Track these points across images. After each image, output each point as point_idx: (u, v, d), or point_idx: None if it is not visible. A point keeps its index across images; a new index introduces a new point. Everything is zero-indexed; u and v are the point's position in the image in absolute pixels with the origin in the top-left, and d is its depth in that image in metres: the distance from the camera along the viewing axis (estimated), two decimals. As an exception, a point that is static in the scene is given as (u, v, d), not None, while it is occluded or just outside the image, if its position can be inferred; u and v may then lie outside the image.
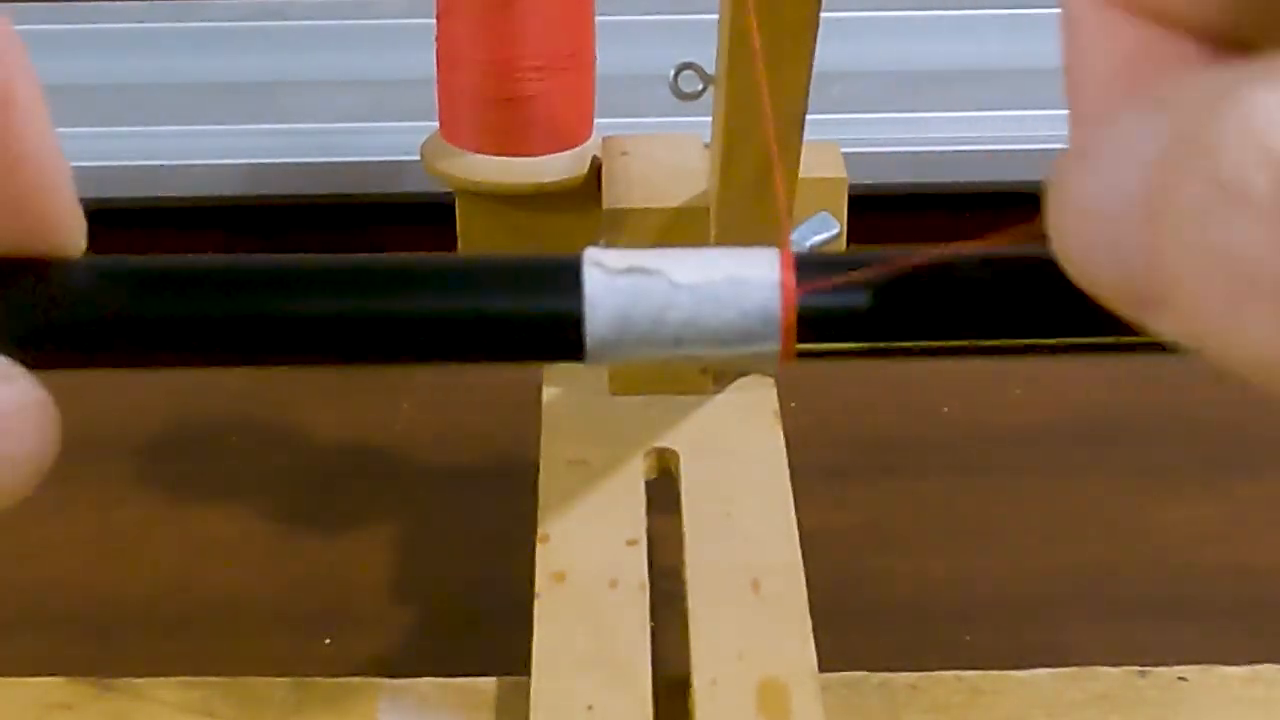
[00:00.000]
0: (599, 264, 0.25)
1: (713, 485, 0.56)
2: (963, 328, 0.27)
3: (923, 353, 0.27)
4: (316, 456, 0.69)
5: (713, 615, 0.51)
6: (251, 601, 0.61)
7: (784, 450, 0.58)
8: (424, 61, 0.63)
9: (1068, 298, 0.25)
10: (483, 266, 0.27)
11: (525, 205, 0.61)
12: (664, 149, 0.60)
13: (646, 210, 0.57)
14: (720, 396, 0.60)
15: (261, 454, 0.69)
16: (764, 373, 0.61)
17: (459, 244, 0.62)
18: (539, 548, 0.54)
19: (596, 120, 0.63)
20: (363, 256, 0.28)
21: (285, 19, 0.87)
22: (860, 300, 0.26)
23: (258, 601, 0.61)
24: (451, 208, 0.62)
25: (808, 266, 0.26)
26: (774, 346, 0.25)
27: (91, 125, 0.84)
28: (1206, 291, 0.20)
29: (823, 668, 0.49)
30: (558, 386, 0.61)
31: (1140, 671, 0.54)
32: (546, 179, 0.61)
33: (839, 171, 0.61)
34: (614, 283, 0.25)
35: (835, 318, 0.26)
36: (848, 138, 0.66)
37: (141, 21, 0.86)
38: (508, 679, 0.53)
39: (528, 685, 0.49)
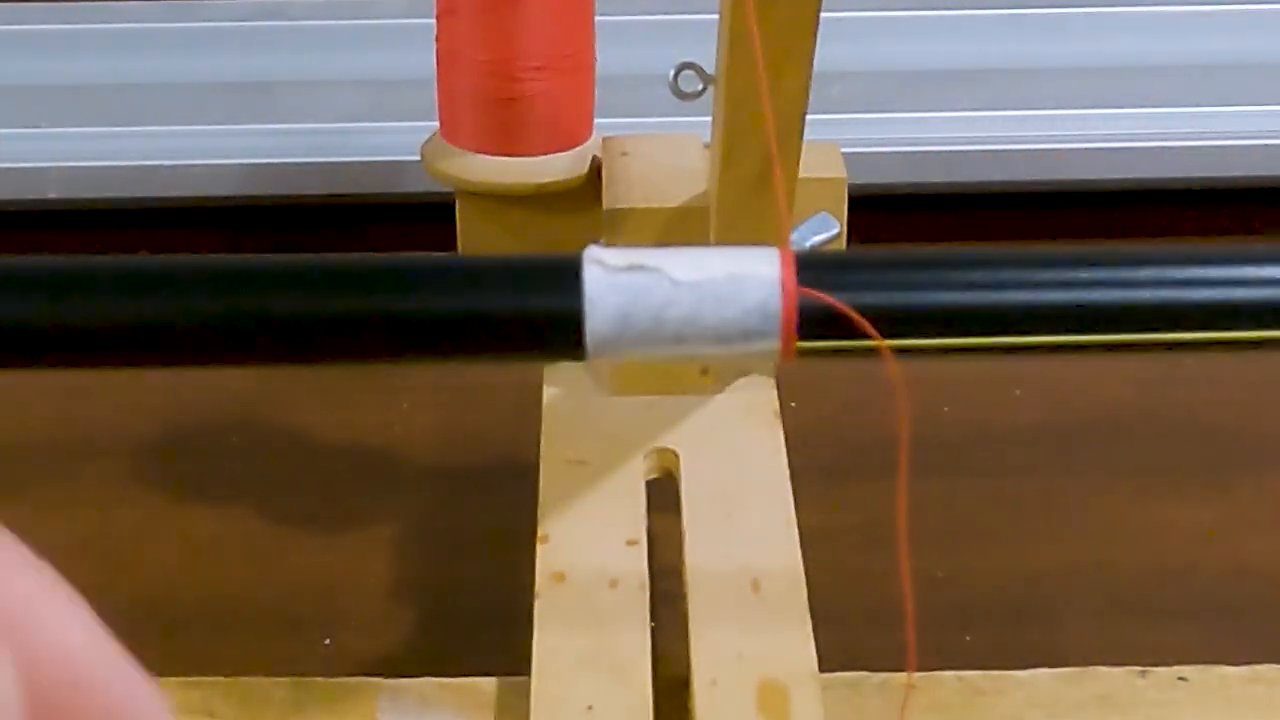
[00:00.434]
0: (599, 262, 0.25)
1: (713, 485, 0.56)
2: (963, 328, 0.27)
3: (923, 352, 0.27)
4: (316, 456, 0.69)
5: (713, 615, 0.51)
6: (251, 602, 0.61)
7: (784, 450, 0.58)
8: (424, 61, 0.63)
9: (1067, 297, 0.25)
10: (483, 266, 0.27)
11: (525, 205, 0.61)
12: (664, 149, 0.60)
13: (646, 210, 0.57)
14: (720, 396, 0.60)
15: (261, 454, 0.69)
16: (764, 372, 0.61)
17: (459, 244, 0.62)
18: (539, 548, 0.54)
19: (596, 120, 0.63)
20: (363, 256, 0.28)
21: (285, 19, 0.87)
22: (860, 299, 0.26)
23: (258, 602, 0.61)
24: (451, 208, 0.62)
25: (808, 265, 0.26)
26: (774, 344, 0.25)
27: (91, 125, 0.84)
28: None
29: (823, 668, 0.49)
30: (558, 386, 0.61)
31: (1140, 671, 0.54)
32: (546, 179, 0.61)
33: (839, 171, 0.61)
34: (614, 281, 0.25)
35: (835, 316, 0.26)
36: (848, 138, 0.66)
37: (141, 21, 0.86)
38: (508, 679, 0.53)
39: (528, 685, 0.49)
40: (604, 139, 0.62)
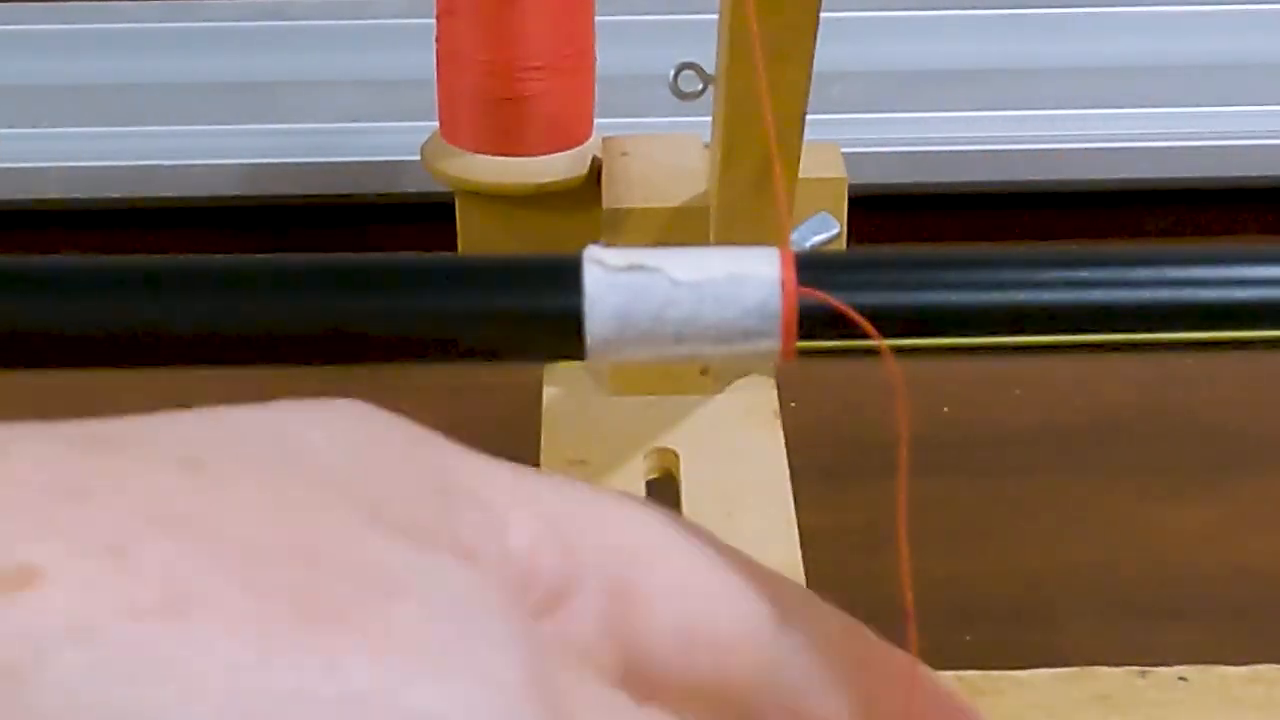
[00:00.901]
0: (599, 262, 0.25)
1: (713, 485, 0.56)
2: (963, 327, 0.27)
3: (923, 352, 0.27)
4: (316, 456, 0.69)
5: (713, 615, 0.51)
6: (251, 601, 0.61)
7: (784, 450, 0.58)
8: (424, 61, 0.63)
9: (1067, 297, 0.25)
10: (483, 266, 0.27)
11: (525, 205, 0.61)
12: (664, 149, 0.60)
13: (646, 210, 0.57)
14: (720, 396, 0.60)
15: (261, 454, 0.69)
16: (764, 372, 0.61)
17: (459, 244, 0.62)
18: (539, 548, 0.54)
19: (596, 120, 0.63)
20: (362, 256, 0.28)
21: (285, 19, 0.87)
22: (860, 299, 0.26)
23: (258, 601, 0.61)
24: (451, 208, 0.62)
25: (808, 265, 0.26)
26: (774, 344, 0.25)
27: (91, 125, 0.84)
28: None
29: (823, 667, 0.49)
30: (558, 386, 0.61)
31: (1140, 671, 0.54)
32: (546, 179, 0.61)
33: (839, 171, 0.61)
34: (614, 280, 0.25)
35: (836, 316, 0.26)
36: (848, 138, 0.66)
37: (141, 21, 0.86)
38: (508, 679, 0.53)
39: (528, 685, 0.49)
40: (604, 139, 0.62)
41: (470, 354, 0.27)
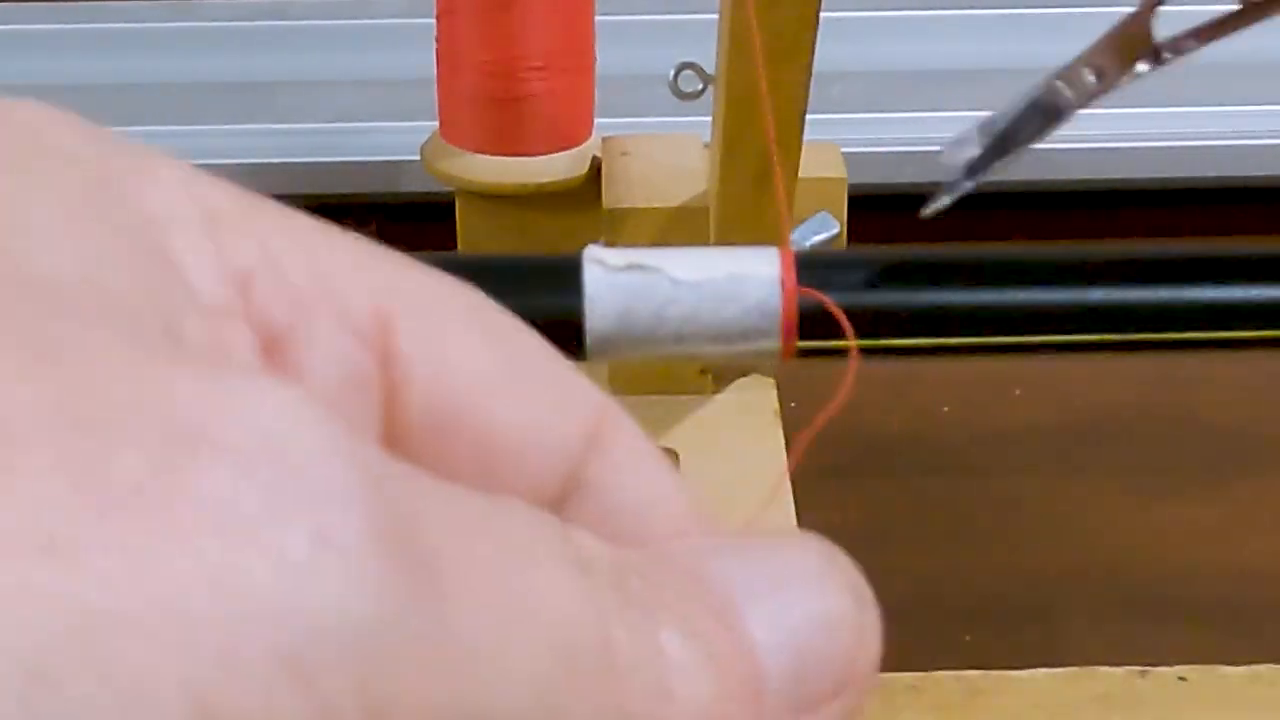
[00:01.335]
0: (599, 262, 0.25)
1: (713, 485, 0.56)
2: (962, 327, 0.27)
3: (922, 352, 0.27)
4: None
5: (713, 615, 0.51)
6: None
7: (784, 450, 0.58)
8: (424, 61, 0.63)
9: (1067, 297, 0.25)
10: (483, 266, 0.27)
11: (525, 205, 0.61)
12: (664, 149, 0.60)
13: (646, 210, 0.57)
14: (720, 396, 0.60)
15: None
16: (764, 372, 0.61)
17: (459, 244, 0.62)
18: (539, 547, 0.54)
19: (596, 120, 0.63)
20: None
21: (285, 19, 0.87)
22: (860, 299, 0.26)
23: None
24: (451, 208, 0.62)
25: (807, 265, 0.26)
26: (774, 343, 0.25)
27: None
28: None
29: (823, 667, 0.49)
30: (558, 386, 0.61)
31: (1140, 671, 0.54)
32: (546, 179, 0.61)
33: (839, 171, 0.61)
34: (614, 280, 0.25)
35: (835, 316, 0.26)
36: (848, 138, 0.66)
37: (141, 21, 0.86)
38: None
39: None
40: (604, 139, 0.62)
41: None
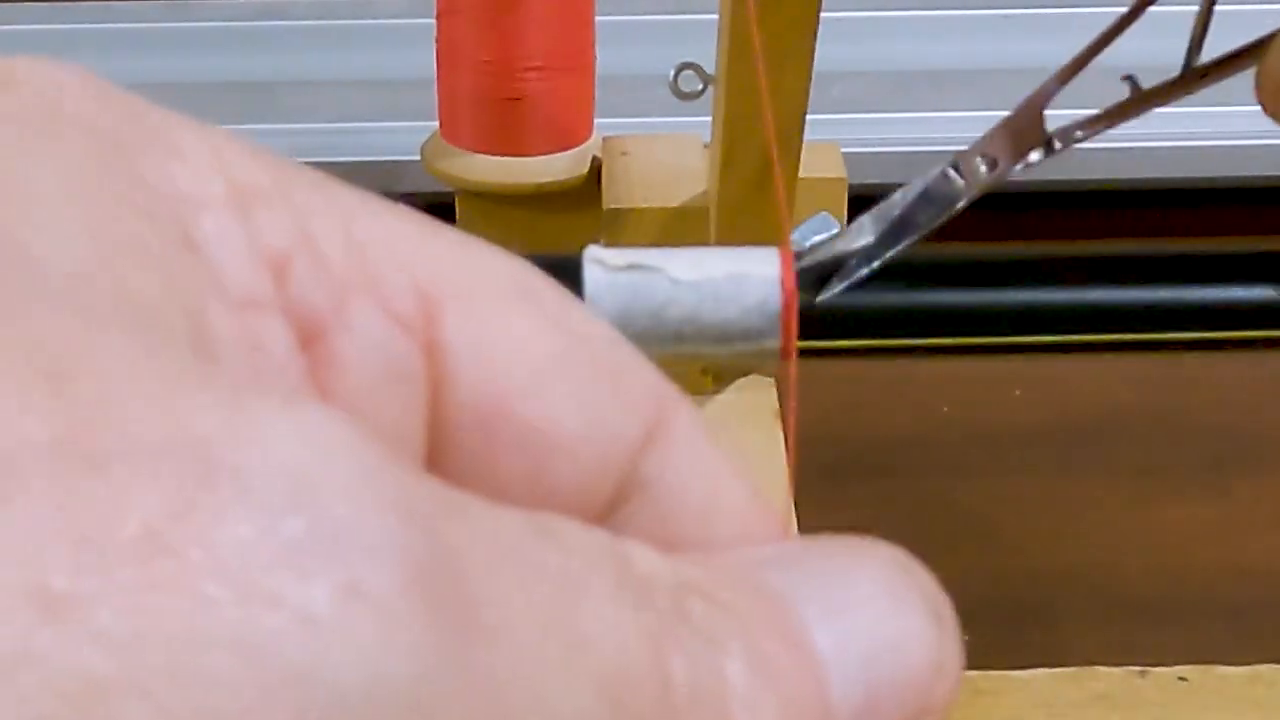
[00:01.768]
0: (599, 261, 0.25)
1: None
2: (962, 327, 0.27)
3: (923, 352, 0.27)
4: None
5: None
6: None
7: (784, 450, 0.58)
8: (424, 61, 0.63)
9: (1068, 297, 0.25)
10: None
11: (525, 205, 0.61)
12: (664, 149, 0.60)
13: (646, 210, 0.57)
14: (720, 396, 0.60)
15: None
16: (764, 372, 0.61)
17: (459, 244, 0.62)
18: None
19: (596, 120, 0.63)
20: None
21: (285, 19, 0.87)
22: (860, 300, 0.26)
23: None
24: (451, 208, 0.62)
25: (808, 265, 0.26)
26: (774, 343, 0.25)
27: (91, 125, 0.84)
28: None
29: (823, 667, 0.49)
30: (558, 386, 0.61)
31: (1140, 671, 0.54)
32: (546, 179, 0.61)
33: (839, 171, 0.61)
34: (614, 280, 0.25)
35: (835, 316, 0.26)
36: (848, 138, 0.66)
37: (141, 21, 0.86)
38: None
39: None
40: (604, 139, 0.62)
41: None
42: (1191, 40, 0.33)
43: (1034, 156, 0.33)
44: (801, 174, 0.57)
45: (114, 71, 0.80)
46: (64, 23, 0.86)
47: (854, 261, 0.28)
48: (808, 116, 0.52)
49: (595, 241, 0.59)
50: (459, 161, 0.61)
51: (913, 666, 0.17)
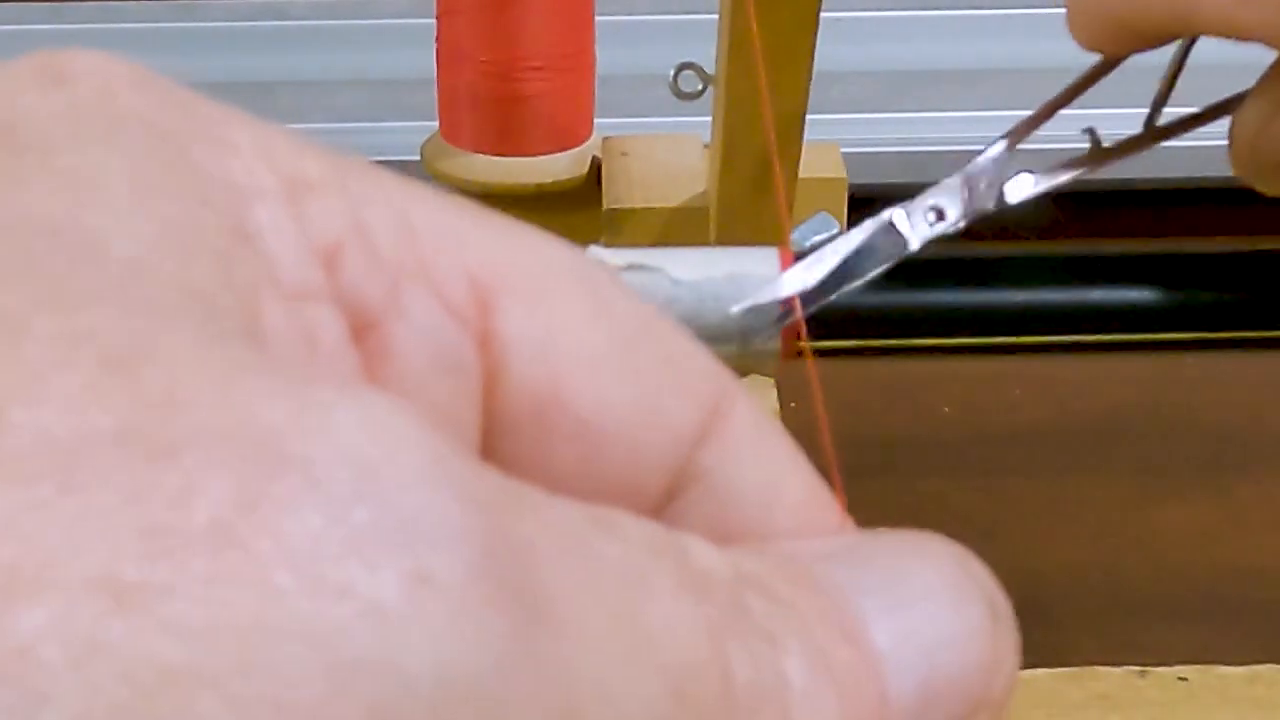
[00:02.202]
0: (599, 262, 0.25)
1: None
2: (962, 327, 0.27)
3: (922, 352, 0.27)
4: (316, 456, 0.69)
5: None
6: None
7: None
8: (424, 61, 0.63)
9: (1067, 297, 0.25)
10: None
11: (525, 205, 0.61)
12: (664, 149, 0.60)
13: (646, 210, 0.57)
14: (720, 396, 0.60)
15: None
16: (764, 372, 0.61)
17: (459, 244, 0.62)
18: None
19: (596, 120, 0.63)
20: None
21: (285, 19, 0.87)
22: (860, 300, 0.26)
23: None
24: (451, 208, 0.62)
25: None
26: (774, 344, 0.25)
27: (91, 125, 0.84)
28: None
29: (823, 667, 0.49)
30: (558, 386, 0.61)
31: (1140, 671, 0.54)
32: (546, 179, 0.61)
33: (839, 171, 0.61)
34: (614, 281, 0.25)
35: (835, 316, 0.26)
36: (848, 138, 0.66)
37: (141, 21, 0.86)
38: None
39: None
40: (604, 139, 0.62)
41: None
42: (1156, 97, 0.33)
43: (984, 207, 0.33)
44: (801, 174, 0.57)
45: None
46: (64, 23, 0.86)
47: (782, 311, 0.28)
48: (808, 116, 0.52)
49: (595, 241, 0.59)
50: (459, 161, 0.61)
51: (970, 664, 0.18)
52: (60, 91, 0.16)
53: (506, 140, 0.61)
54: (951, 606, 0.18)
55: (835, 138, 0.63)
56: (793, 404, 0.64)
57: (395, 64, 0.84)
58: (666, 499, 0.18)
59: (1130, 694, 0.53)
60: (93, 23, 0.87)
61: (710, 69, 0.56)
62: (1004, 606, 0.19)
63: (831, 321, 0.26)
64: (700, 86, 0.56)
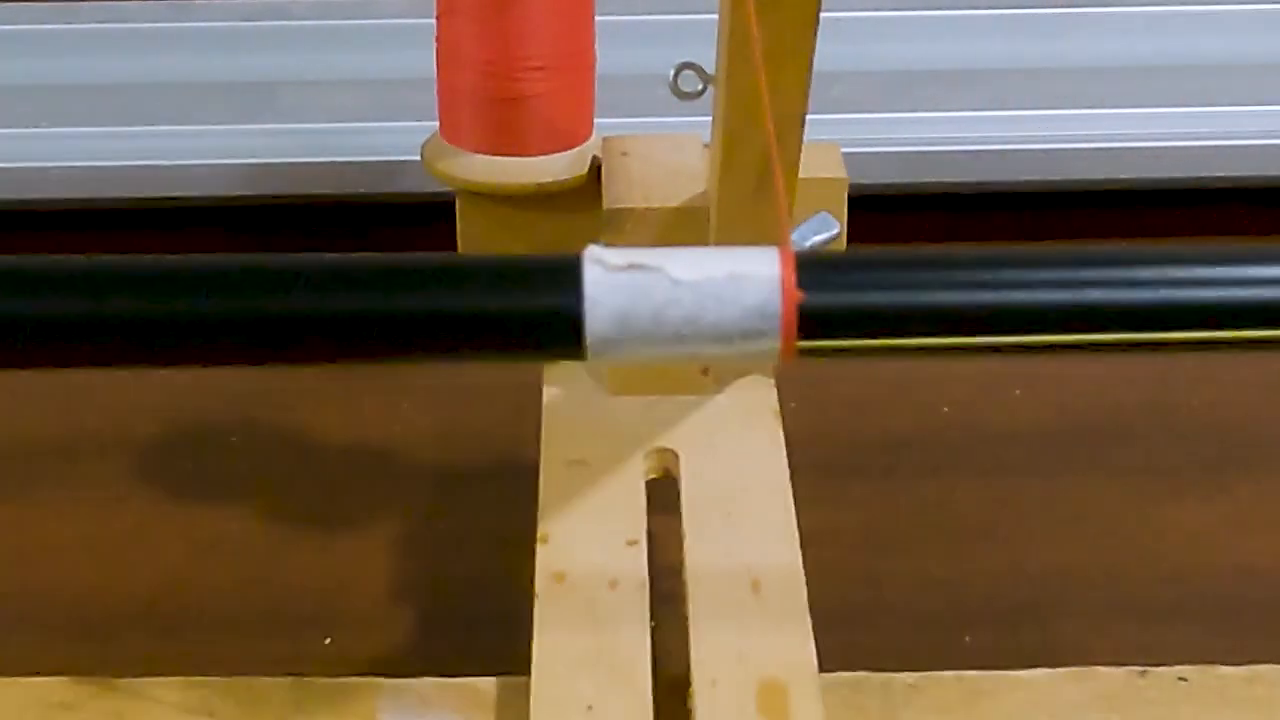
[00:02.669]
0: (599, 262, 0.25)
1: (713, 485, 0.56)
2: (962, 327, 0.27)
3: (923, 352, 0.27)
4: (317, 456, 0.69)
5: (713, 615, 0.51)
6: (251, 601, 0.61)
7: (784, 450, 0.58)
8: (424, 61, 0.63)
9: (1067, 297, 0.25)
10: (483, 266, 0.27)
11: (525, 205, 0.61)
12: (664, 149, 0.60)
13: (646, 210, 0.57)
14: (720, 396, 0.60)
15: (262, 454, 0.69)
16: (764, 372, 0.61)
17: (459, 244, 0.62)
18: (539, 548, 0.54)
19: (596, 120, 0.63)
20: (362, 256, 0.28)
21: (285, 19, 0.87)
22: (861, 300, 0.26)
23: (258, 601, 0.61)
24: (451, 208, 0.62)
25: (807, 265, 0.26)
26: (774, 344, 0.25)
27: (92, 125, 0.84)
28: None
29: (823, 668, 0.49)
30: (558, 386, 0.61)
31: (1140, 671, 0.54)
32: (546, 179, 0.61)
33: (839, 171, 0.61)
34: (614, 280, 0.25)
35: (835, 316, 0.26)
36: (848, 138, 0.66)
37: (141, 21, 0.86)
38: (508, 679, 0.53)
39: (528, 685, 0.49)
40: (604, 139, 0.62)
41: (470, 354, 0.27)
42: None
43: None
44: (801, 174, 0.57)
45: (114, 71, 0.80)
46: (64, 23, 0.86)
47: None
48: (808, 116, 0.52)
49: (595, 241, 0.59)
50: (459, 161, 0.61)
51: None
52: None
53: (506, 140, 0.61)
54: None
55: (835, 138, 0.63)
56: (793, 404, 0.64)
57: (395, 64, 0.84)
58: None
59: (1130, 694, 0.53)
60: (93, 23, 0.87)
61: (710, 69, 0.56)
62: None
63: (831, 321, 0.26)
64: (700, 86, 0.56)
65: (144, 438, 0.70)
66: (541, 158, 0.61)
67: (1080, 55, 0.86)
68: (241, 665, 0.56)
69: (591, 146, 0.62)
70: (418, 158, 0.62)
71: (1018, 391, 0.72)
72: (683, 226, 0.57)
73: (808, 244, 0.60)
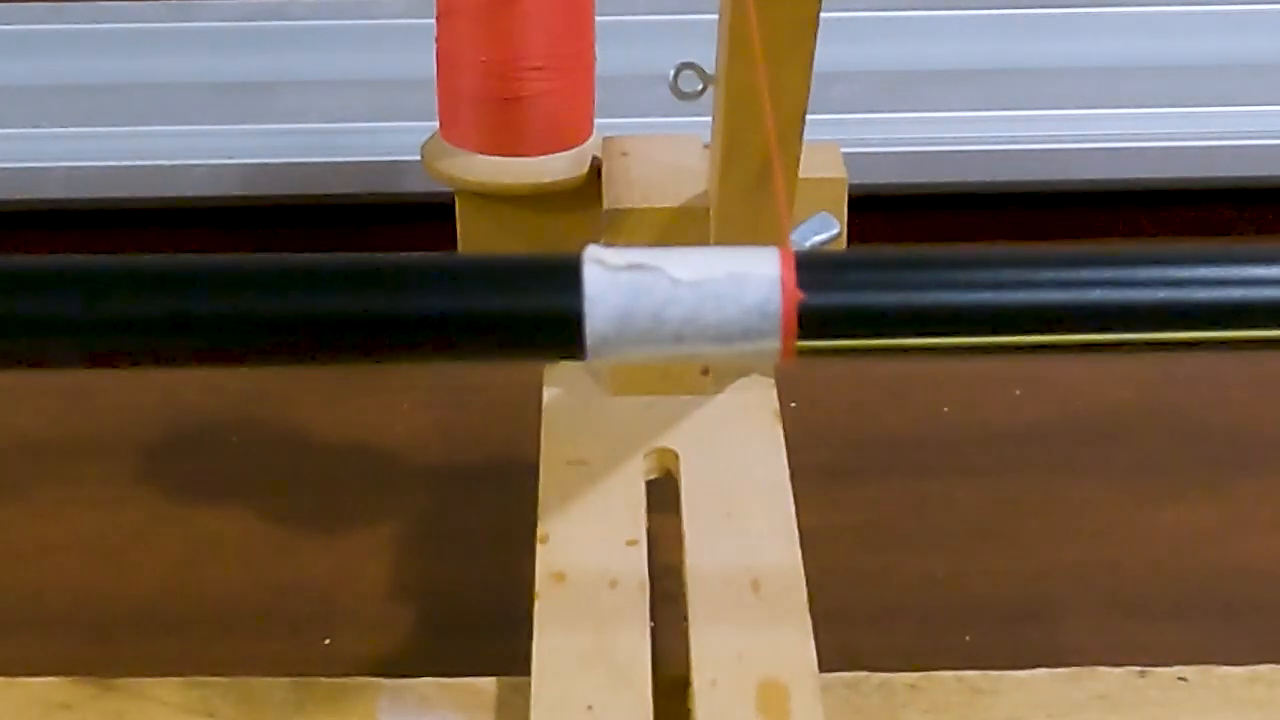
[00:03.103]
0: (599, 261, 0.25)
1: (713, 485, 0.56)
2: (962, 327, 0.27)
3: (922, 352, 0.27)
4: (316, 456, 0.69)
5: (713, 615, 0.51)
6: (251, 601, 0.61)
7: (784, 450, 0.58)
8: (424, 61, 0.63)
9: (1067, 297, 0.25)
10: (483, 266, 0.27)
11: (525, 205, 0.61)
12: (664, 149, 0.60)
13: (646, 210, 0.57)
14: (720, 396, 0.60)
15: (262, 454, 0.69)
16: (764, 372, 0.61)
17: (459, 244, 0.62)
18: (539, 548, 0.54)
19: (596, 120, 0.63)
20: (363, 256, 0.28)
21: (285, 19, 0.87)
22: (861, 300, 0.26)
23: (257, 601, 0.61)
24: (451, 208, 0.62)
25: (807, 265, 0.26)
26: (774, 344, 0.25)
27: (92, 125, 0.84)
28: None
29: (823, 668, 0.49)
30: (558, 386, 0.61)
31: (1140, 671, 0.54)
32: (546, 179, 0.61)
33: (839, 171, 0.61)
34: (614, 280, 0.25)
35: (835, 316, 0.26)
36: (848, 138, 0.66)
37: (141, 21, 0.86)
38: (508, 679, 0.53)
39: (528, 685, 0.49)
40: (604, 139, 0.62)
41: (470, 354, 0.27)
42: None
43: None
44: (801, 174, 0.57)
45: (114, 71, 0.80)
46: (64, 23, 0.86)
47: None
48: (808, 116, 0.52)
49: (595, 241, 0.58)
50: (459, 161, 0.61)
51: None
52: None
53: (506, 140, 0.61)
54: None
55: (835, 138, 0.63)
56: (793, 404, 0.65)
57: (395, 64, 0.84)
58: None
59: (1130, 694, 0.53)
60: (93, 23, 0.87)
61: (710, 69, 0.56)
62: None
63: (831, 321, 0.26)
64: (700, 86, 0.56)
65: (144, 438, 0.70)
66: (541, 158, 0.61)
67: (1080, 55, 0.86)
68: (241, 665, 0.56)
69: (591, 146, 0.62)
70: (418, 158, 0.62)
71: (1018, 391, 0.72)
72: (683, 226, 0.57)
73: (808, 244, 0.60)
